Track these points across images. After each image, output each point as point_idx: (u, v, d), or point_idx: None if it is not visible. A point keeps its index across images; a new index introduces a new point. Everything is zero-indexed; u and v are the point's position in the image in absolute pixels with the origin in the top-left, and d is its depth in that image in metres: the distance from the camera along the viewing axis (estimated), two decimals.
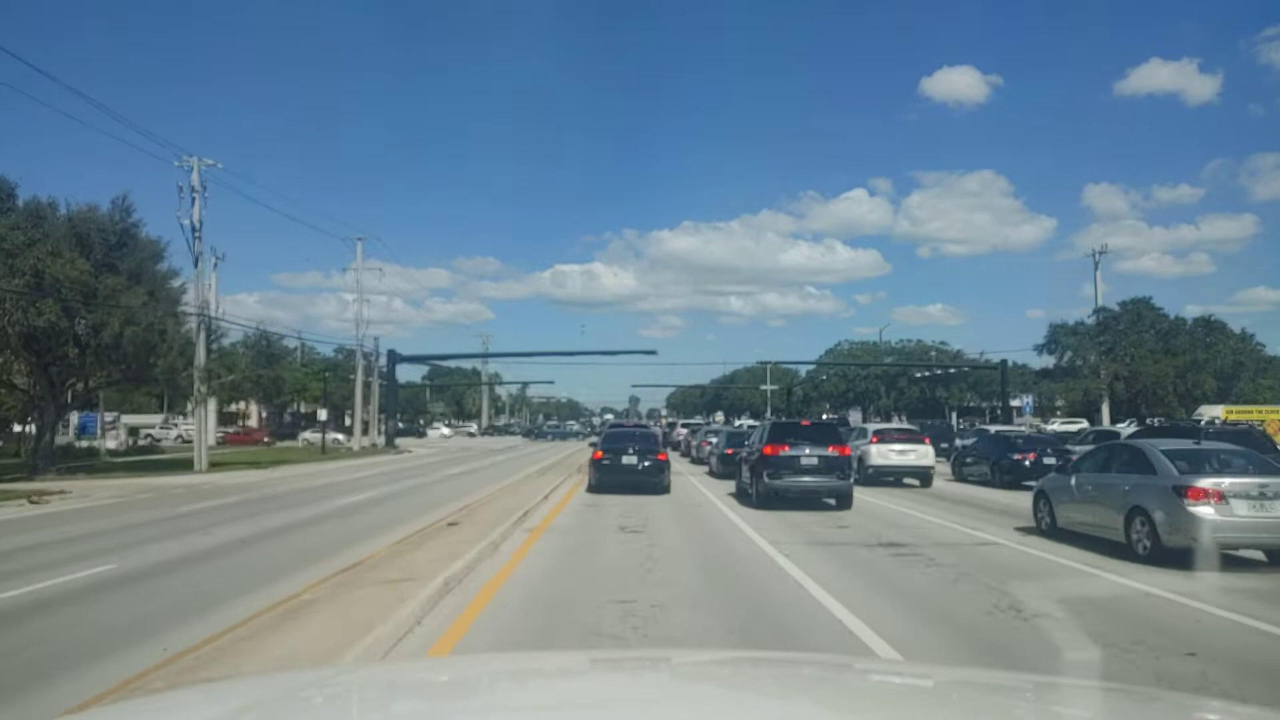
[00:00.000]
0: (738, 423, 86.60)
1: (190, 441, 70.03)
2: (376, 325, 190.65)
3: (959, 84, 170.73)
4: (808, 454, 16.98)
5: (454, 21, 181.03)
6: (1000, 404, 70.62)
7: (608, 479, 20.41)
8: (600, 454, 20.73)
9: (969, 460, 26.46)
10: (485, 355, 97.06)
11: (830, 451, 17.04)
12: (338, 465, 39.86)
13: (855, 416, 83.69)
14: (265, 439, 70.59)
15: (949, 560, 10.98)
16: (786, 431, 17.65)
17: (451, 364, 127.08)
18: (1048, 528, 13.43)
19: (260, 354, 40.78)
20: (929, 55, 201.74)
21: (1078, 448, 24.72)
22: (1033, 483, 23.75)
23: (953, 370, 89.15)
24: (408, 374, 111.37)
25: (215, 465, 39.53)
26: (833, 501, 17.56)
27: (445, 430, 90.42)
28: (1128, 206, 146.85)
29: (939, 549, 12.04)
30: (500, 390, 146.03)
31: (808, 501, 17.38)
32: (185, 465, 37.45)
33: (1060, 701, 2.22)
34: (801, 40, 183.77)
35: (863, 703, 2.16)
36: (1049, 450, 23.59)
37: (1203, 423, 39.83)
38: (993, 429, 35.34)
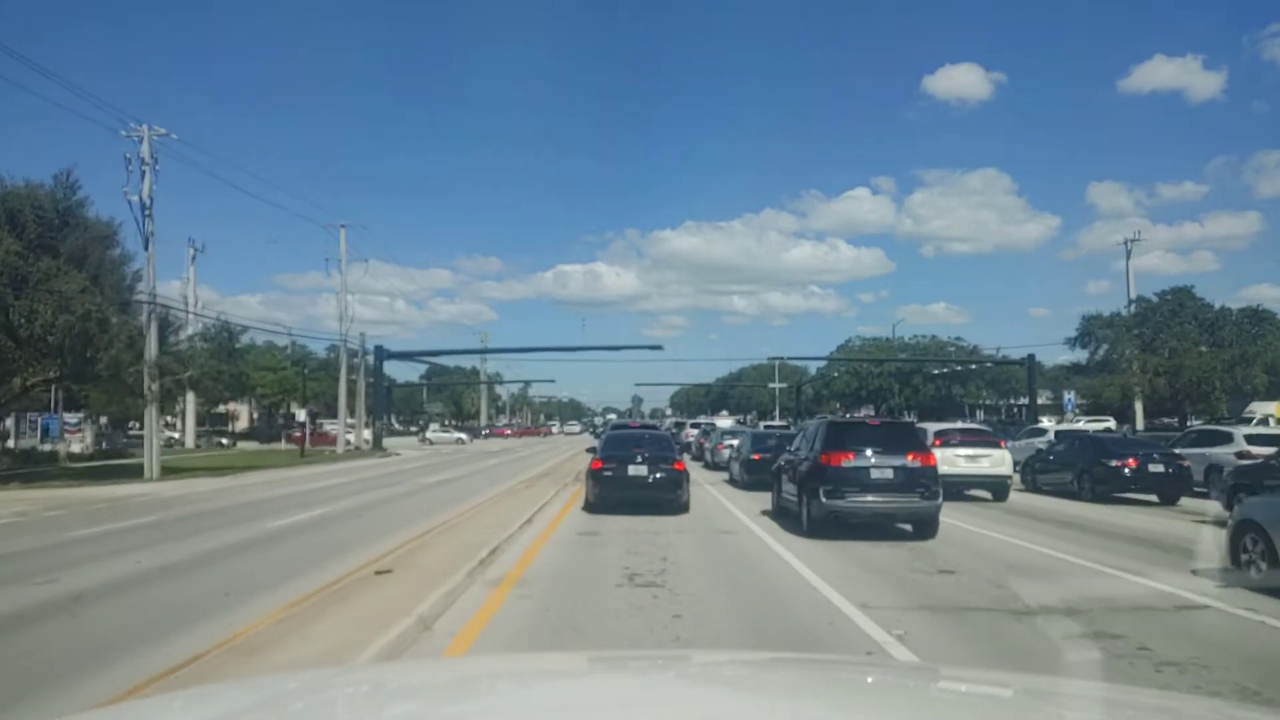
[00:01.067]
0: (742, 421, 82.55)
1: (178, 442, 66.05)
2: (379, 326, 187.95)
3: (962, 81, 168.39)
4: (880, 464, 12.56)
5: (453, 25, 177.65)
6: (1028, 402, 66.50)
7: (610, 495, 16.01)
8: (600, 463, 16.29)
9: (1040, 466, 22.05)
10: (480, 351, 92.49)
11: (910, 461, 12.61)
12: (309, 471, 35.54)
13: (868, 414, 79.78)
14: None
15: (1176, 650, 6.57)
16: (850, 434, 13.19)
17: (451, 364, 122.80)
18: (1263, 575, 9.00)
19: (221, 347, 36.32)
20: (931, 53, 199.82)
21: (1188, 451, 20.31)
22: (1132, 494, 19.53)
23: (974, 366, 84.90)
24: (406, 374, 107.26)
25: (174, 471, 35.47)
26: (909, 528, 13.20)
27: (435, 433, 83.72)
28: (1131, 204, 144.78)
29: (1126, 619, 7.63)
30: (500, 390, 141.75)
31: (875, 527, 12.98)
32: (142, 472, 33.23)
33: (1074, 705, 2.15)
34: (802, 38, 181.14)
35: (874, 703, 2.12)
36: (1155, 455, 19.13)
37: (1254, 421, 35.62)
38: (1051, 427, 30.86)
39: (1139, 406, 58.62)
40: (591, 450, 19.12)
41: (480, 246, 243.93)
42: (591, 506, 16.28)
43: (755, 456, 21.72)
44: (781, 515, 15.39)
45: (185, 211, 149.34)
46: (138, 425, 75.50)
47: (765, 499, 19.00)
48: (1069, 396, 48.54)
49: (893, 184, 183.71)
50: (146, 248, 33.90)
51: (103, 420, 78.29)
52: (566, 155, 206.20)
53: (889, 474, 12.54)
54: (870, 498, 12.49)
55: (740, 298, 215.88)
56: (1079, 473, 20.00)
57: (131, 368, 33.26)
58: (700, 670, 2.66)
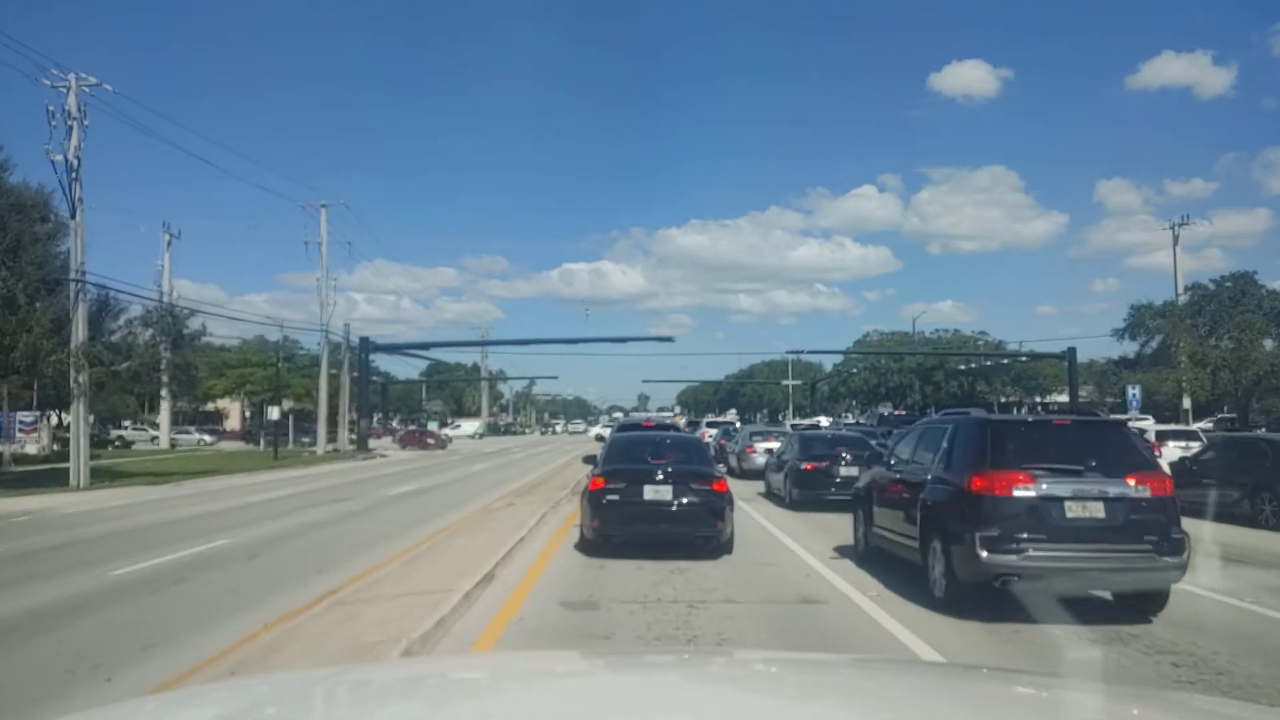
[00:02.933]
0: (748, 421, 77.39)
1: (168, 442, 61.00)
2: (385, 324, 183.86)
3: (969, 78, 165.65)
4: (1081, 494, 7.29)
5: (459, 19, 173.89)
6: (1068, 399, 61.45)
7: (617, 529, 10.75)
8: (601, 481, 10.88)
9: (1184, 480, 16.69)
10: (475, 344, 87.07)
11: (1132, 487, 7.32)
12: (267, 479, 30.54)
13: (884, 411, 75.01)
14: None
15: None
16: (1021, 440, 7.74)
17: (453, 360, 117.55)
18: None
19: (165, 333, 31.18)
20: (937, 50, 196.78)
21: None
22: None
23: (1005, 360, 79.62)
24: (406, 370, 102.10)
25: (114, 477, 30.73)
26: (1105, 594, 7.96)
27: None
28: (1140, 201, 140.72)
29: None
30: (503, 388, 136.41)
31: (1048, 597, 7.70)
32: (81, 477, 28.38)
33: (1086, 704, 2.04)
34: (808, 36, 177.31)
35: (892, 703, 2.01)
36: None
37: None
38: (1151, 427, 25.49)
39: (1188, 402, 53.45)
40: (590, 460, 13.79)
41: (486, 246, 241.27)
42: (589, 546, 11.04)
43: (808, 466, 16.48)
44: (873, 560, 10.19)
45: (195, 219, 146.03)
46: (127, 424, 70.98)
47: (829, 524, 13.95)
48: (1133, 392, 42.98)
49: (899, 181, 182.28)
50: (74, 215, 28.93)
51: (89, 419, 73.59)
52: (572, 154, 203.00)
53: (1098, 510, 7.26)
54: (1067, 550, 7.22)
55: (746, 296, 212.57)
56: (1252, 490, 14.77)
57: (52, 356, 28.24)
58: (718, 671, 2.51)
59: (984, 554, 7.27)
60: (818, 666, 2.70)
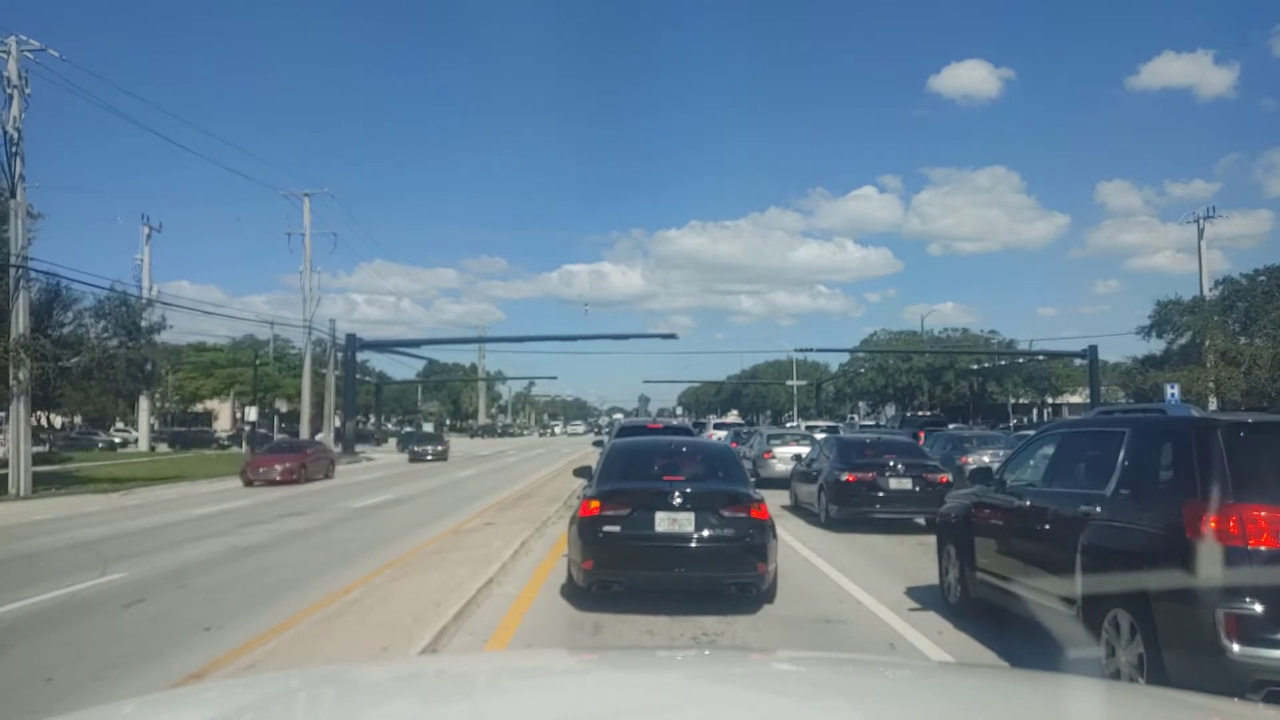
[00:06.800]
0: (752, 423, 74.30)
1: (142, 443, 58.03)
2: (385, 326, 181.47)
3: (969, 78, 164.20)
4: None
5: (459, 22, 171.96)
6: (1089, 400, 58.69)
7: (618, 573, 7.66)
8: (598, 506, 7.82)
9: None
10: (471, 340, 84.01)
11: None
12: (230, 487, 27.71)
13: (891, 413, 72.65)
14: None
15: None
16: (1275, 455, 4.90)
17: (451, 360, 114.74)
18: None
19: (118, 324, 28.25)
20: (938, 50, 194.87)
21: None
22: None
23: (1021, 360, 76.82)
24: (402, 371, 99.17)
25: (64, 484, 27.90)
26: None
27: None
28: (1141, 202, 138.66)
29: None
30: (501, 389, 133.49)
31: None
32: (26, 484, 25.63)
33: (1091, 703, 1.98)
34: (808, 37, 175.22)
35: (891, 703, 1.95)
36: None
37: None
38: None
39: (1214, 403, 50.62)
40: (583, 473, 10.75)
41: (486, 247, 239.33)
42: (580, 594, 8.04)
43: (850, 478, 13.50)
44: (975, 616, 7.25)
45: (194, 218, 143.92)
46: (121, 427, 67.81)
47: (883, 550, 11.15)
48: (1172, 392, 39.96)
49: (899, 182, 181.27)
50: (14, 194, 26.00)
51: (77, 419, 70.64)
52: (572, 155, 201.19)
53: None
54: None
55: (747, 297, 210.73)
56: None
57: None
58: (721, 671, 2.40)
59: (1235, 646, 4.32)
60: (822, 665, 2.63)
